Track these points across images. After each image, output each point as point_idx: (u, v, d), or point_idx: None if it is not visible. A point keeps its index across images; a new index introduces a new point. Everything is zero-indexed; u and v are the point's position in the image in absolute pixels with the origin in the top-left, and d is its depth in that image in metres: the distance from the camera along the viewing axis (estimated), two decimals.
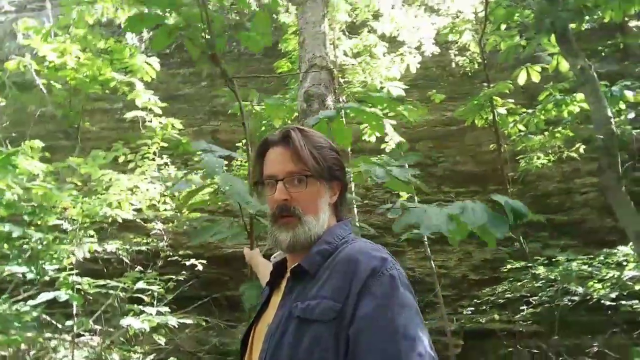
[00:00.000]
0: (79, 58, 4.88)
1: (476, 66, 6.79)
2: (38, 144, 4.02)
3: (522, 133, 5.24)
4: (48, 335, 4.77)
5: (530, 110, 4.97)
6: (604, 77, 5.45)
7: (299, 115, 3.77)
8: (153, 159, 4.42)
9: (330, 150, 1.15)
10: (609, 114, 3.65)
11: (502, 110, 5.18)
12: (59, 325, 4.59)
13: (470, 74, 7.70)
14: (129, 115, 5.03)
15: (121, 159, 4.43)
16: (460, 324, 5.95)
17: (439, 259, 8.50)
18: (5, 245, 3.47)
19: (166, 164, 4.48)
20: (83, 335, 4.72)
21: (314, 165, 1.09)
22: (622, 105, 4.45)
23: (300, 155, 1.08)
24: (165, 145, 4.28)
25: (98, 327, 4.76)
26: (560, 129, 5.09)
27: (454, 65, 7.98)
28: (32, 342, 4.47)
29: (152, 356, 4.57)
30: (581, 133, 4.82)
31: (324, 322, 0.94)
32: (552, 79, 5.10)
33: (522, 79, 4.80)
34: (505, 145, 5.59)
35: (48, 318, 4.68)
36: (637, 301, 4.17)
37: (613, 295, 4.09)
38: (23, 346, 4.37)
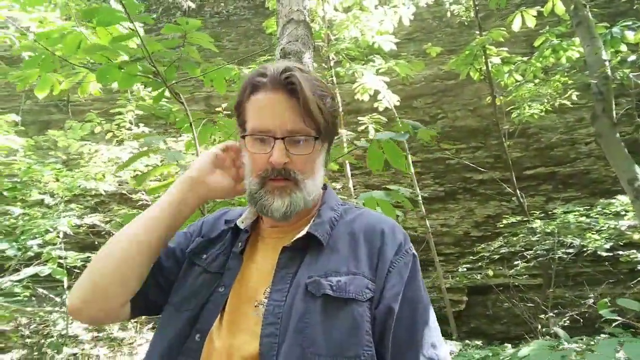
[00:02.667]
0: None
1: (472, 14, 6.44)
2: (14, 118, 3.91)
3: (518, 83, 5.00)
4: (49, 309, 4.84)
5: (525, 58, 4.70)
6: (606, 18, 5.14)
7: None
8: (129, 128, 4.31)
9: (331, 99, 0.95)
10: (604, 56, 3.42)
11: (496, 60, 4.92)
12: (57, 299, 4.65)
13: (467, 24, 7.34)
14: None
15: (98, 130, 4.32)
16: (458, 280, 5.92)
17: (440, 217, 8.44)
18: None
19: (143, 132, 4.36)
20: None
21: (323, 123, 0.90)
22: (624, 47, 4.20)
23: (311, 111, 0.87)
24: (140, 112, 4.13)
25: None
26: (557, 76, 4.83)
27: (449, 15, 7.59)
28: (33, 316, 4.53)
29: (150, 325, 4.63)
30: (582, 79, 4.58)
31: (361, 301, 0.85)
32: (550, 24, 4.81)
33: (516, 25, 4.52)
34: (501, 97, 5.36)
35: (46, 292, 4.73)
36: (634, 251, 4.07)
37: (607, 246, 3.98)
38: (24, 320, 4.44)
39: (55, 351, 3.51)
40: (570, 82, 4.67)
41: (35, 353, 3.59)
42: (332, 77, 5.81)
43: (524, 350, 1.54)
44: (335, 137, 1.02)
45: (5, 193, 3.56)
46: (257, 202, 0.92)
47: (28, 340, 3.77)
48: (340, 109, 6.07)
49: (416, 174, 8.25)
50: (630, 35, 4.03)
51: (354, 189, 7.43)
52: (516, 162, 7.92)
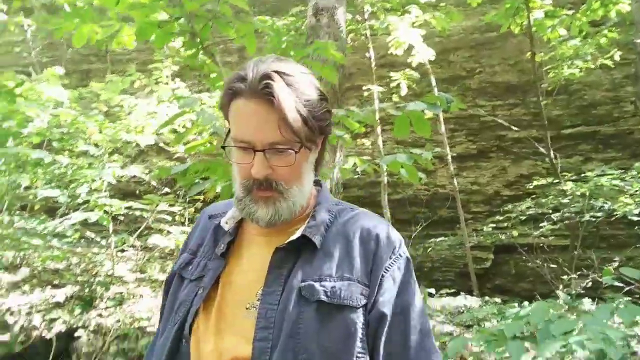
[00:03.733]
0: None
1: None
2: (60, 71, 4.09)
3: (562, 38, 4.75)
4: (95, 250, 5.26)
5: (571, 12, 4.43)
6: None
7: (308, 31, 3.58)
8: (166, 83, 4.44)
9: (320, 102, 0.90)
10: None
11: (540, 14, 4.66)
12: (103, 242, 5.03)
13: None
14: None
15: (137, 84, 4.48)
16: (483, 239, 5.98)
17: (471, 175, 8.35)
18: (40, 171, 3.72)
19: (178, 88, 4.49)
20: (125, 250, 5.15)
21: (305, 133, 0.86)
22: None
23: (289, 122, 0.83)
24: (176, 68, 4.22)
25: (139, 243, 5.17)
26: (605, 31, 4.56)
27: None
28: (82, 257, 4.94)
29: None
30: (627, 38, 4.31)
31: (355, 307, 0.85)
32: None
33: None
34: (542, 54, 5.11)
35: (93, 236, 5.13)
36: None
37: (637, 211, 3.91)
38: (75, 260, 4.85)
39: (104, 288, 3.88)
40: (618, 38, 4.41)
41: (86, 289, 3.97)
42: (365, 30, 5.68)
43: (526, 309, 1.64)
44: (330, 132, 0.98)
45: (54, 143, 3.82)
46: (243, 209, 0.92)
47: (79, 278, 4.17)
48: (373, 64, 5.98)
49: (449, 130, 8.13)
50: None
51: (384, 144, 7.43)
52: (556, 120, 7.65)
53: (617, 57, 4.79)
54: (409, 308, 0.89)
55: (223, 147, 0.95)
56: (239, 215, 0.99)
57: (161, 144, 4.67)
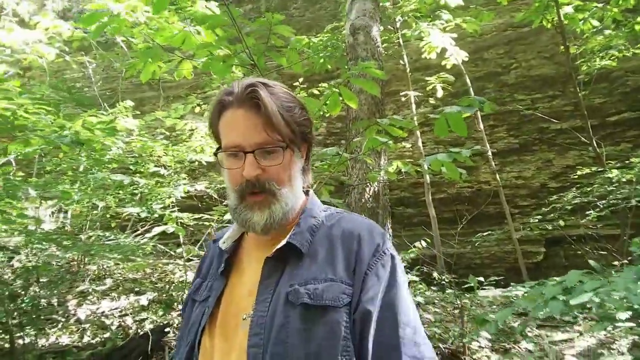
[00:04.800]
0: (149, 12, 5.32)
1: None
2: (129, 103, 4.64)
3: (595, 29, 4.84)
4: (165, 261, 5.80)
5: (601, 5, 4.51)
6: None
7: (346, 48, 3.91)
8: None
9: (300, 110, 0.99)
10: None
11: (569, 9, 4.76)
12: (172, 253, 5.55)
13: None
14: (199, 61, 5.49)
15: (197, 110, 4.99)
16: (530, 231, 6.05)
17: (515, 170, 8.38)
18: (121, 192, 4.25)
19: None
20: (192, 259, 5.65)
21: (288, 134, 0.94)
22: None
23: (274, 123, 0.91)
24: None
25: (202, 252, 5.66)
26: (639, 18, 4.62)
27: None
28: (154, 267, 5.48)
29: None
30: None
31: (337, 307, 0.87)
32: None
33: None
34: (575, 46, 5.20)
35: (163, 247, 5.66)
36: None
37: None
38: (148, 270, 5.39)
39: (180, 293, 4.35)
40: None
41: (164, 295, 4.46)
42: (398, 39, 5.96)
43: (562, 278, 1.87)
44: (312, 148, 1.06)
45: (131, 167, 4.35)
46: (238, 217, 0.95)
47: (157, 285, 4.68)
48: (408, 69, 6.23)
49: (489, 127, 8.22)
50: None
51: (424, 146, 7.63)
52: (599, 109, 7.59)
53: None
54: (397, 304, 0.90)
55: (215, 155, 0.99)
56: (236, 234, 1.05)
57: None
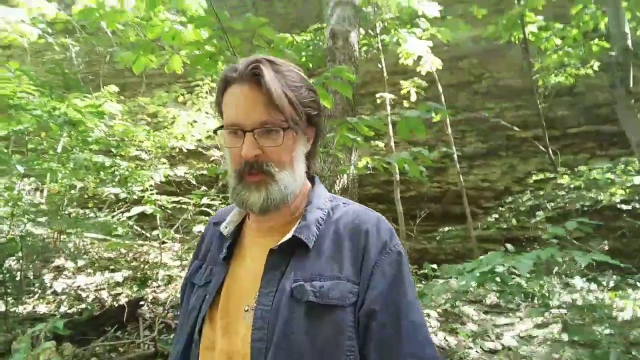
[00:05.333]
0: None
1: None
2: (114, 89, 4.80)
3: (557, 47, 5.25)
4: (140, 242, 5.97)
5: (561, 25, 4.92)
6: None
7: (326, 52, 4.18)
8: (206, 97, 5.13)
9: (307, 90, 0.95)
10: (626, 29, 3.72)
11: (533, 28, 5.15)
12: (148, 235, 5.73)
13: None
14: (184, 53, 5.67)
15: (180, 99, 5.18)
16: (485, 229, 6.49)
17: (482, 173, 8.85)
18: (102, 173, 4.42)
19: None
20: (167, 242, 5.85)
21: (292, 114, 0.90)
22: None
23: (275, 101, 0.87)
24: (214, 85, 4.91)
25: (178, 236, 5.86)
26: (596, 40, 5.05)
27: None
28: (130, 247, 5.65)
29: None
30: (604, 52, 4.80)
31: (344, 306, 0.86)
32: None
33: None
34: (539, 62, 5.61)
35: (139, 229, 5.83)
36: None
37: (618, 200, 4.39)
38: (123, 250, 5.56)
39: (155, 271, 4.56)
40: (607, 45, 4.89)
41: (139, 274, 4.65)
42: (377, 43, 6.27)
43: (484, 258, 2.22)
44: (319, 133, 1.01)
45: (112, 150, 4.52)
46: (236, 197, 0.93)
47: (132, 264, 4.87)
48: (385, 73, 6.55)
49: (460, 131, 8.66)
50: None
51: (398, 146, 7.99)
52: (562, 120, 8.11)
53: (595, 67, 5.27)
54: (401, 302, 0.88)
55: (215, 132, 0.97)
56: (238, 219, 1.03)
57: (199, 149, 5.37)
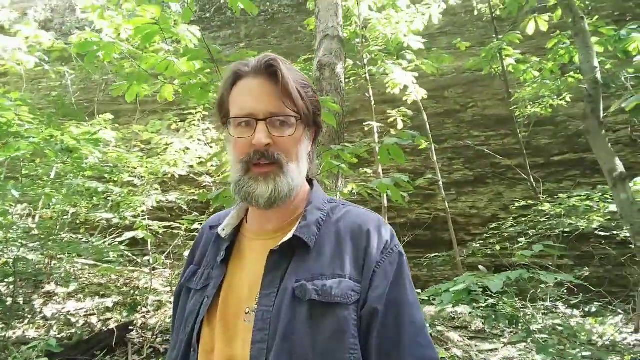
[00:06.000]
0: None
1: (498, 12, 6.91)
2: (109, 117, 4.95)
3: (534, 79, 5.52)
4: (131, 268, 6.00)
5: (537, 59, 5.20)
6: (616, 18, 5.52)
7: (314, 82, 4.38)
8: (197, 125, 5.30)
9: (312, 92, 0.97)
10: (595, 64, 3.96)
11: (511, 60, 5.44)
12: (139, 261, 5.77)
13: (498, 18, 7.76)
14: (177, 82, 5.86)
15: (173, 126, 5.35)
16: (470, 255, 6.62)
17: (469, 200, 9.02)
18: (94, 198, 4.51)
19: (208, 128, 5.35)
20: (158, 268, 5.89)
21: (303, 107, 0.91)
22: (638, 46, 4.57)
23: (291, 93, 0.89)
24: (207, 114, 5.09)
25: (169, 262, 5.90)
26: (572, 73, 5.33)
27: (479, 9, 8.04)
28: (120, 273, 5.68)
29: None
30: (575, 84, 5.09)
31: (346, 304, 0.86)
32: (559, 28, 5.28)
33: (530, 29, 5.04)
34: (517, 92, 5.89)
35: (130, 255, 5.87)
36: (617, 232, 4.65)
37: (594, 226, 4.55)
38: (113, 276, 5.59)
39: (145, 296, 4.59)
40: (581, 79, 5.16)
41: (129, 299, 4.68)
42: (365, 74, 6.52)
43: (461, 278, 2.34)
44: (320, 132, 1.03)
45: (106, 176, 4.63)
46: (241, 190, 0.91)
47: (123, 289, 4.90)
48: (373, 102, 6.78)
49: (447, 159, 8.89)
50: (637, 36, 4.50)
51: (388, 173, 8.18)
52: (545, 149, 8.36)
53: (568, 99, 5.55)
54: (402, 302, 0.88)
55: (224, 124, 0.97)
56: (236, 222, 1.03)
57: (191, 175, 5.49)
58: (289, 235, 0.91)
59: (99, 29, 6.28)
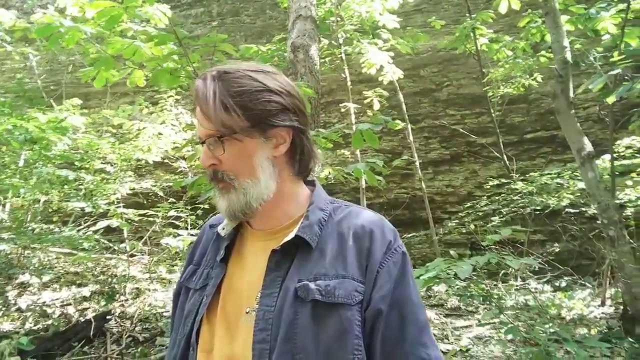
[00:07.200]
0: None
1: None
2: (77, 102, 4.79)
3: (508, 58, 5.58)
4: (108, 256, 5.93)
5: (510, 38, 5.24)
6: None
7: (288, 64, 4.31)
8: (170, 110, 5.18)
9: (259, 92, 0.89)
10: (565, 43, 4.01)
11: (484, 40, 5.46)
12: (116, 248, 5.70)
13: None
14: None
15: (145, 111, 5.22)
16: (447, 233, 6.77)
17: (446, 179, 9.16)
18: (66, 187, 4.40)
19: (181, 113, 5.24)
20: (135, 255, 5.83)
21: (222, 121, 0.87)
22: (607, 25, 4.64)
23: (204, 112, 0.89)
24: (179, 98, 4.98)
25: (147, 248, 5.85)
26: (543, 52, 5.39)
27: None
28: (97, 261, 5.61)
29: None
30: (546, 64, 5.17)
31: (350, 305, 0.85)
32: (531, 6, 5.32)
33: (503, 7, 5.05)
34: (491, 71, 5.94)
35: (106, 242, 5.79)
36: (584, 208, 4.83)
37: (563, 203, 4.71)
38: (90, 264, 5.52)
39: (123, 285, 4.56)
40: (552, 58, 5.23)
41: (106, 287, 4.64)
42: (341, 54, 6.46)
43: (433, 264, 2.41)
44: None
45: (76, 163, 4.51)
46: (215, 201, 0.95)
47: (100, 278, 4.84)
48: (349, 82, 6.74)
49: (423, 138, 8.97)
50: (605, 14, 4.56)
51: (366, 154, 8.20)
52: (518, 127, 8.51)
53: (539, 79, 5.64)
54: (406, 303, 0.89)
55: (202, 143, 0.96)
56: (236, 222, 1.01)
57: (166, 161, 5.39)
58: (291, 235, 0.91)
59: (63, 7, 6.01)
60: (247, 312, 0.89)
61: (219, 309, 0.92)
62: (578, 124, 3.97)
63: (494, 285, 4.23)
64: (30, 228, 4.73)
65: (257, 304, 0.88)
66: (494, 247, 6.48)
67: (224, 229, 1.01)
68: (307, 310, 0.84)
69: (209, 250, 1.04)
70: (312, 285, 0.86)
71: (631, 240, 3.93)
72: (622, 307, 3.92)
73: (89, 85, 10.79)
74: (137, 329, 3.74)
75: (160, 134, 4.82)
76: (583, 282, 4.66)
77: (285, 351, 0.81)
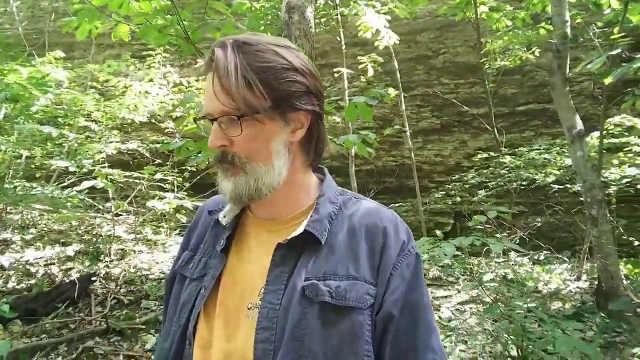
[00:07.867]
0: None
1: None
2: (60, 54, 4.58)
3: (507, 29, 5.45)
4: (92, 214, 5.87)
5: (511, 8, 5.10)
6: None
7: (282, 26, 4.14)
8: (158, 68, 4.99)
9: (285, 71, 0.81)
10: (567, 17, 3.92)
11: (485, 8, 5.31)
12: (101, 207, 5.64)
13: None
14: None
15: (132, 68, 5.02)
16: (435, 203, 6.83)
17: (435, 148, 9.17)
18: (49, 144, 4.28)
19: (169, 72, 5.06)
20: (121, 215, 5.78)
21: (246, 99, 0.78)
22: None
23: (224, 87, 0.79)
24: (167, 55, 4.78)
25: (132, 209, 5.80)
26: (543, 24, 5.26)
27: None
28: (81, 220, 5.56)
29: (177, 231, 5.65)
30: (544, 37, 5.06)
31: (361, 309, 0.81)
32: None
33: None
34: (489, 42, 5.82)
35: (91, 201, 5.72)
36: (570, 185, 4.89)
37: (549, 179, 4.75)
38: (74, 222, 5.47)
39: (108, 245, 4.54)
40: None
41: (91, 247, 4.62)
42: (337, 15, 6.25)
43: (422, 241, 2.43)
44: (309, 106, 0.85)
45: (60, 119, 4.36)
46: (217, 182, 0.88)
47: (84, 237, 4.81)
48: (344, 46, 6.56)
49: (415, 106, 8.88)
50: None
51: (358, 119, 8.12)
52: (511, 98, 8.46)
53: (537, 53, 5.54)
54: (417, 306, 0.86)
55: (195, 121, 0.97)
56: (237, 209, 0.96)
57: (153, 120, 5.26)
58: (300, 230, 0.85)
59: None
60: (249, 308, 0.84)
61: (217, 303, 0.87)
62: (571, 102, 3.94)
63: (477, 260, 4.31)
64: (12, 186, 4.63)
65: (261, 300, 0.83)
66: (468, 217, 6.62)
67: (224, 217, 0.94)
68: (315, 311, 0.80)
69: (207, 238, 0.98)
70: (321, 285, 0.81)
71: (612, 219, 4.00)
72: (596, 283, 4.05)
73: (73, 35, 10.36)
74: (122, 291, 3.75)
75: (147, 92, 4.67)
76: (561, 257, 4.78)
77: (291, 350, 0.77)
